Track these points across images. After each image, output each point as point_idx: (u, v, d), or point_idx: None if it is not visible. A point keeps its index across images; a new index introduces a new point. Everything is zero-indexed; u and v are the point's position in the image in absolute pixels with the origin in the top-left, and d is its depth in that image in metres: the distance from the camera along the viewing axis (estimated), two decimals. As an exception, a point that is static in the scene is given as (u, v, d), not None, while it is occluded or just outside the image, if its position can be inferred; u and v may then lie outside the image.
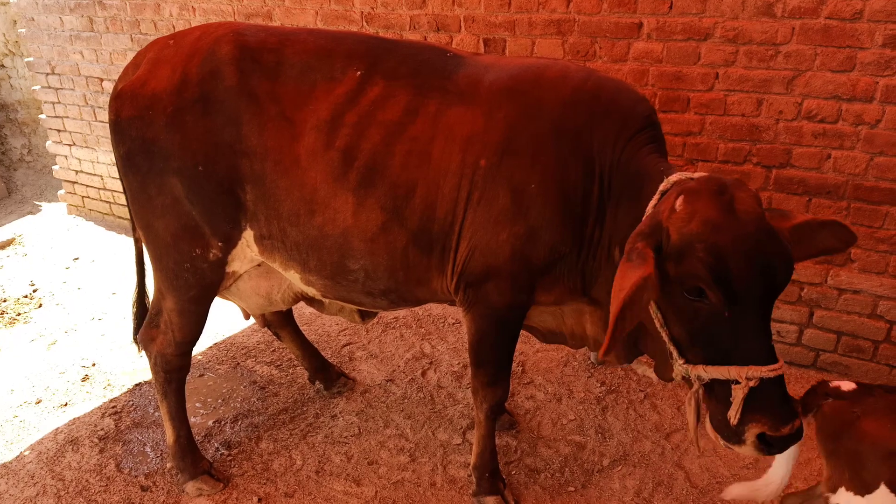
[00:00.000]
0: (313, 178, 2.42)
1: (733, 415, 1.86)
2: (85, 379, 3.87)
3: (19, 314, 4.69)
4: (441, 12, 4.05)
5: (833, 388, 2.01)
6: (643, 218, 2.04)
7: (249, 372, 3.88)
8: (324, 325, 4.33)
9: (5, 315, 4.66)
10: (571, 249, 2.36)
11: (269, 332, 4.25)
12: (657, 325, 2.04)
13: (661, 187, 2.06)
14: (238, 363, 3.98)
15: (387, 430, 3.34)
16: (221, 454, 3.20)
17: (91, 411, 3.57)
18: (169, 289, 2.76)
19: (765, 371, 1.82)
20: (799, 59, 3.25)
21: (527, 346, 4.03)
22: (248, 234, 2.61)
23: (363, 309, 2.99)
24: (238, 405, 3.58)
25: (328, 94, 2.43)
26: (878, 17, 3.04)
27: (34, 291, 5.03)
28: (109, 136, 2.68)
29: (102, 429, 3.42)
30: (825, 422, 1.96)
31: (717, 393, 1.94)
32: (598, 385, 3.67)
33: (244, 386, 3.75)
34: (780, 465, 2.12)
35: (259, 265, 2.84)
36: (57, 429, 3.44)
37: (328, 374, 3.64)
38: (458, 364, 3.88)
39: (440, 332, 4.26)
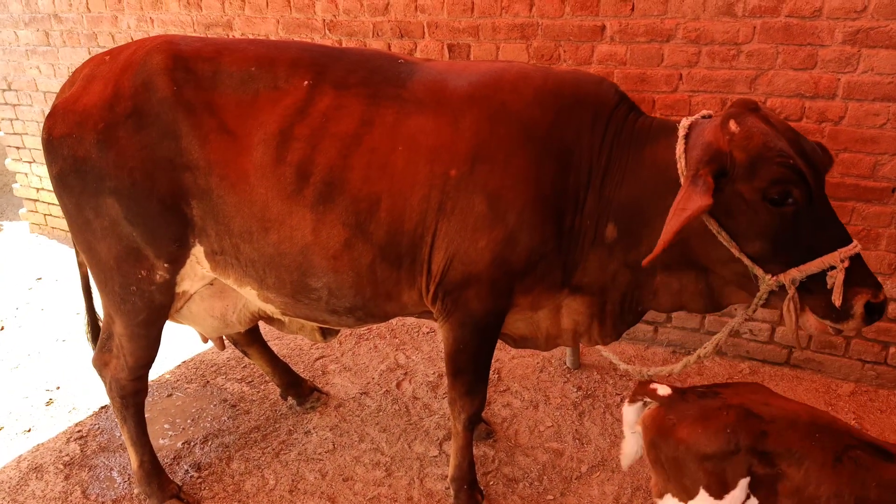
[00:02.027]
0: (263, 195, 2.33)
1: (837, 296, 1.96)
2: (49, 403, 3.76)
3: (-20, 338, 4.55)
4: (404, 19, 4.01)
5: (651, 391, 2.03)
6: (680, 159, 2.12)
7: (220, 390, 3.80)
8: (295, 339, 4.26)
9: (-35, 339, 4.51)
10: (553, 247, 2.34)
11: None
12: (735, 253, 2.08)
13: (681, 132, 2.17)
14: (208, 381, 3.89)
15: (362, 445, 3.28)
16: (191, 476, 3.12)
17: (56, 436, 3.46)
18: (117, 313, 2.66)
19: (852, 249, 1.98)
20: (761, 58, 3.26)
21: (502, 354, 4.00)
22: (198, 251, 2.51)
23: (325, 327, 2.91)
24: (208, 425, 3.49)
25: (274, 104, 2.34)
26: (837, 14, 3.06)
27: (-5, 314, 4.88)
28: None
29: (68, 454, 3.31)
30: (646, 430, 1.99)
31: (810, 287, 2.04)
32: (575, 390, 3.64)
33: (214, 404, 3.66)
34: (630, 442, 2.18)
35: (211, 284, 2.73)
36: (20, 456, 3.32)
37: (300, 390, 3.56)
38: (434, 374, 3.84)
39: (414, 341, 4.21)
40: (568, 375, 3.77)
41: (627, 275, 2.42)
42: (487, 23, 3.79)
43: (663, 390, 2.03)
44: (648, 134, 2.31)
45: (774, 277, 2.06)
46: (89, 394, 3.80)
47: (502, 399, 3.61)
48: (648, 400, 2.08)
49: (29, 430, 3.53)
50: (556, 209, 2.31)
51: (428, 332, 4.29)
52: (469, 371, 2.60)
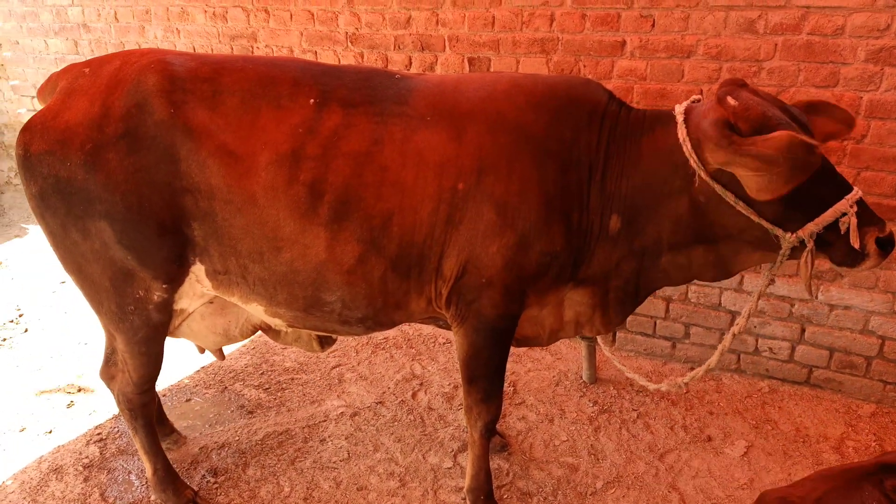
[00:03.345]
0: (275, 215, 2.33)
1: (855, 239, 2.09)
2: (70, 405, 3.81)
3: (4, 339, 4.62)
4: (425, 32, 4.05)
5: None
6: (685, 143, 2.21)
7: (237, 396, 3.83)
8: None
9: (-10, 341, 4.60)
10: (563, 246, 2.39)
11: (257, 354, 4.22)
12: (754, 219, 2.16)
13: (679, 118, 2.26)
14: (226, 387, 3.92)
15: (376, 455, 3.29)
16: (207, 482, 3.15)
17: (76, 438, 3.51)
18: (116, 331, 2.64)
19: (856, 194, 2.11)
20: (782, 75, 3.25)
21: (518, 366, 4.00)
22: (198, 269, 2.50)
23: (322, 335, 2.93)
24: (225, 430, 3.52)
25: (280, 124, 2.32)
26: (860, 32, 3.05)
27: (20, 316, 4.96)
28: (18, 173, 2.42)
29: (87, 456, 3.36)
30: None
31: (825, 238, 2.16)
32: (591, 405, 3.63)
33: (231, 410, 3.70)
34: None
35: (211, 302, 2.71)
36: (41, 457, 3.37)
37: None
38: (449, 385, 3.85)
39: (430, 352, 4.22)
40: (584, 390, 3.76)
41: (632, 262, 2.49)
42: (508, 37, 3.82)
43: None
44: (643, 125, 2.39)
45: (794, 234, 2.15)
46: (109, 397, 3.85)
47: (517, 412, 3.60)
48: None
49: (50, 432, 3.58)
50: (562, 209, 2.36)
51: (444, 343, 4.30)
52: (484, 377, 2.61)
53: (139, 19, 5.18)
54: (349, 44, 4.35)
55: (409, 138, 2.33)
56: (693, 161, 2.20)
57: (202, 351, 3.16)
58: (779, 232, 2.17)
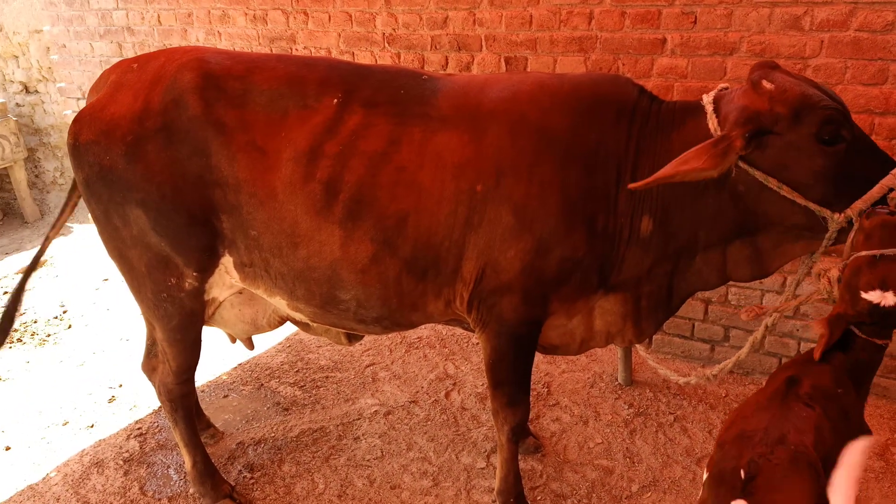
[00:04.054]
0: (293, 211, 2.37)
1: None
2: (111, 400, 3.90)
3: (49, 335, 4.75)
4: (462, 32, 4.05)
5: None
6: (717, 133, 2.11)
7: (273, 393, 3.87)
8: (347, 346, 4.31)
9: (36, 336, 4.72)
10: (585, 252, 2.32)
11: (293, 352, 4.26)
12: (800, 202, 2.07)
13: (708, 108, 2.19)
14: (262, 384, 3.97)
15: (410, 454, 3.30)
16: (244, 477, 3.18)
17: (117, 433, 3.59)
18: (153, 318, 2.73)
19: None
20: (829, 72, 3.17)
21: (552, 367, 3.97)
22: (227, 261, 2.56)
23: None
24: (261, 427, 3.56)
25: (303, 123, 2.37)
26: (911, 28, 2.96)
27: (64, 312, 5.09)
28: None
29: (127, 451, 3.42)
30: None
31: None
32: (626, 407, 3.58)
33: (268, 407, 3.74)
34: None
35: (240, 292, 2.78)
36: (83, 450, 3.45)
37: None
38: (482, 385, 3.83)
39: (464, 351, 4.21)
40: (619, 392, 3.72)
41: (665, 266, 2.40)
42: (545, 36, 3.79)
43: None
44: (673, 119, 2.31)
45: (842, 215, 2.05)
46: (150, 392, 3.92)
47: (552, 413, 3.57)
48: None
49: (92, 426, 3.66)
50: (585, 213, 2.30)
51: (477, 343, 4.29)
52: (509, 382, 2.59)
53: (181, 22, 5.28)
54: (386, 44, 4.37)
55: (429, 139, 2.32)
56: None
57: (234, 340, 3.22)
58: (826, 213, 2.07)
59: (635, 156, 2.31)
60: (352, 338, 3.01)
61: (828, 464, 1.76)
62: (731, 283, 3.68)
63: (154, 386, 2.95)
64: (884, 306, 1.86)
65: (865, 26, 3.04)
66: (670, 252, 2.37)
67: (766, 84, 2.09)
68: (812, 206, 2.08)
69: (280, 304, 2.67)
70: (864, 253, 1.90)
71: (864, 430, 1.92)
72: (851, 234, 2.03)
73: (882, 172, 2.03)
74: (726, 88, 2.28)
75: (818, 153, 2.03)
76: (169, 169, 2.40)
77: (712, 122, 2.15)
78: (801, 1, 3.13)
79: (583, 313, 2.57)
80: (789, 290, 2.37)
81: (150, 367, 2.95)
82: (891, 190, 2.01)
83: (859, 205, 2.03)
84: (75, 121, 2.51)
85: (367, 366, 4.10)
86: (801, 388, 1.88)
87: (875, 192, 2.01)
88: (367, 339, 4.37)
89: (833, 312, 1.92)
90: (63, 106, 6.63)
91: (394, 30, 4.30)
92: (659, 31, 3.48)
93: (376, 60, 4.46)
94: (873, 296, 1.87)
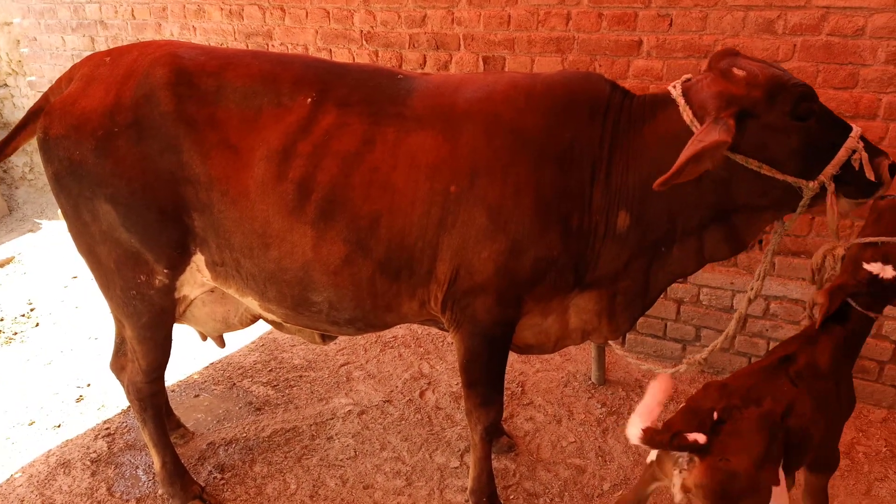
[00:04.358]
0: (264, 211, 2.34)
1: (870, 170, 2.14)
2: (79, 399, 3.83)
3: (16, 333, 4.65)
4: (440, 30, 4.04)
5: (692, 442, 1.90)
6: (693, 124, 2.16)
7: (245, 392, 3.83)
8: (321, 345, 4.28)
9: (2, 334, 4.62)
10: (560, 252, 2.33)
11: (266, 351, 4.22)
12: (779, 178, 2.16)
13: (680, 101, 2.20)
14: (234, 383, 3.92)
15: (383, 453, 3.28)
16: (214, 478, 3.14)
17: (84, 433, 3.52)
18: (122, 316, 2.69)
19: (858, 131, 2.18)
20: (801, 75, 3.19)
21: (526, 367, 3.97)
22: (199, 259, 2.53)
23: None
24: (233, 426, 3.52)
25: (277, 121, 2.34)
26: (881, 33, 3.00)
27: (32, 310, 4.99)
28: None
29: (95, 451, 3.36)
30: (702, 484, 1.88)
31: (842, 177, 2.18)
32: (599, 406, 3.60)
33: (239, 407, 3.70)
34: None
35: (212, 290, 2.74)
36: (49, 450, 3.38)
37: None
38: (457, 385, 3.82)
39: (439, 351, 4.20)
40: (592, 391, 3.73)
41: (642, 259, 2.42)
42: (523, 36, 3.80)
43: (700, 438, 1.90)
44: (643, 113, 2.33)
45: (815, 181, 2.16)
46: (118, 392, 3.86)
47: (525, 412, 3.58)
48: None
49: (59, 426, 3.59)
50: (559, 213, 2.30)
51: (453, 343, 4.28)
52: (483, 382, 2.59)
53: (156, 16, 5.21)
54: (364, 42, 4.35)
55: (402, 139, 2.31)
56: None
57: (204, 338, 3.18)
58: (802, 183, 2.17)
59: (609, 152, 2.32)
60: (326, 337, 2.98)
61: (806, 435, 2.03)
62: (702, 284, 3.73)
63: (123, 385, 2.89)
64: (882, 278, 2.11)
65: (837, 31, 3.09)
66: (647, 245, 2.39)
67: (738, 71, 2.16)
68: (790, 179, 2.17)
69: (252, 304, 2.64)
70: (870, 239, 2.17)
71: (852, 402, 2.23)
72: (829, 198, 2.18)
73: (843, 137, 2.16)
74: (689, 79, 2.31)
75: (793, 130, 2.13)
76: (140, 165, 2.36)
77: (687, 114, 2.17)
78: (775, 5, 3.16)
79: (557, 312, 2.56)
80: (766, 259, 2.45)
81: (118, 365, 2.90)
82: (853, 152, 2.15)
83: (829, 170, 2.15)
84: (45, 114, 2.46)
85: (342, 365, 4.07)
86: (793, 367, 2.11)
87: (842, 155, 2.14)
88: (342, 338, 4.34)
89: (834, 283, 2.12)
90: (33, 100, 6.50)
91: (372, 27, 4.28)
92: (635, 33, 3.50)
93: (354, 58, 4.43)
94: (874, 267, 2.12)
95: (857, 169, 2.15)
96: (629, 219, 2.33)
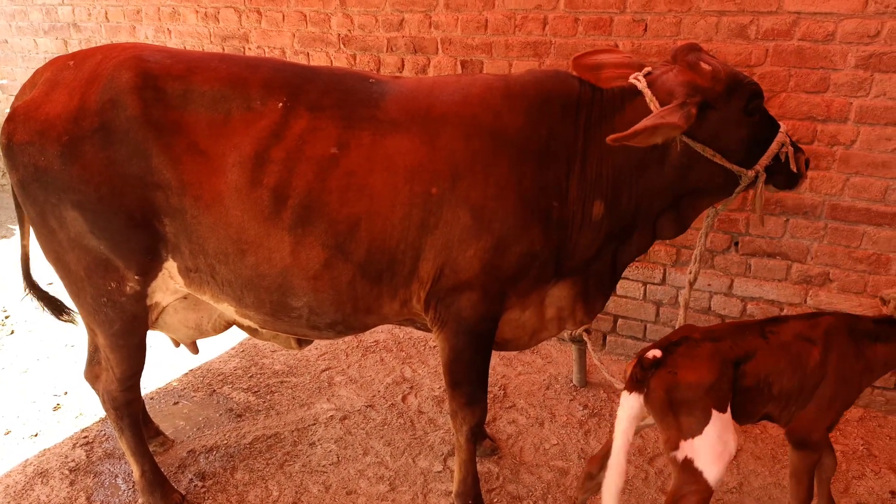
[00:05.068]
0: (239, 217, 2.33)
1: (792, 163, 2.41)
2: (56, 408, 3.77)
3: (-10, 341, 4.58)
4: (418, 34, 4.05)
5: (652, 359, 2.27)
6: (664, 102, 2.30)
7: (226, 399, 3.80)
8: (302, 350, 4.26)
9: (-25, 343, 4.55)
10: (542, 245, 2.40)
11: (246, 357, 4.20)
12: (727, 166, 2.36)
13: (647, 92, 2.33)
14: (214, 390, 3.90)
15: (366, 458, 3.28)
16: (195, 486, 3.12)
17: (62, 442, 3.47)
18: (94, 324, 2.65)
19: (783, 125, 2.44)
20: (773, 80, 3.27)
21: (508, 370, 3.99)
22: (171, 266, 2.50)
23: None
24: (213, 434, 3.50)
25: (248, 126, 2.32)
26: (851, 38, 3.07)
27: (6, 318, 4.91)
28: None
29: (73, 460, 3.32)
30: (653, 392, 2.23)
31: (771, 168, 2.42)
32: (581, 408, 3.63)
33: (220, 414, 3.67)
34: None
35: (185, 297, 2.71)
36: (26, 460, 3.33)
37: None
38: (440, 388, 3.83)
39: (421, 355, 4.20)
40: (574, 393, 3.76)
41: (611, 245, 2.57)
42: (500, 40, 3.82)
43: (657, 353, 2.28)
44: (613, 105, 2.44)
45: (752, 170, 2.39)
46: (96, 400, 3.81)
47: (508, 416, 3.59)
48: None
49: (36, 435, 3.54)
50: (540, 208, 2.38)
51: (435, 346, 4.29)
52: (468, 381, 2.61)
53: (130, 19, 5.16)
54: (342, 45, 4.34)
55: (378, 143, 2.32)
56: None
57: (177, 344, 3.15)
58: (743, 171, 2.39)
59: (584, 145, 2.42)
60: (302, 342, 2.97)
61: (765, 383, 2.30)
62: (679, 286, 3.78)
63: (98, 394, 2.86)
64: None
65: (808, 36, 3.15)
66: (617, 231, 2.53)
67: (704, 65, 2.32)
68: (734, 168, 2.38)
69: (228, 310, 2.63)
70: None
71: (850, 388, 2.36)
72: (759, 186, 2.43)
73: (774, 132, 2.40)
74: (650, 72, 2.42)
75: (744, 123, 2.35)
76: (107, 170, 2.32)
77: (654, 104, 2.29)
78: (747, 10, 3.22)
79: (535, 304, 2.63)
80: (700, 243, 2.72)
81: (93, 374, 2.86)
82: (783, 145, 2.38)
83: (764, 160, 2.39)
84: (8, 120, 2.42)
85: (323, 370, 4.06)
86: (772, 325, 2.38)
87: (773, 148, 2.38)
88: (324, 343, 4.33)
89: None
90: (5, 104, 6.41)
91: (349, 31, 4.28)
92: (611, 38, 3.54)
93: (331, 61, 4.42)
94: None
95: (783, 161, 2.40)
96: (603, 207, 2.45)
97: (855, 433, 3.42)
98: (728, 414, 2.20)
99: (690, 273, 2.77)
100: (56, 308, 3.12)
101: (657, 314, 3.95)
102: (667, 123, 2.16)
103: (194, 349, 3.16)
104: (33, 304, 4.76)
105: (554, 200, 2.40)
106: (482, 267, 2.36)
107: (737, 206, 3.52)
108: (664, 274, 3.86)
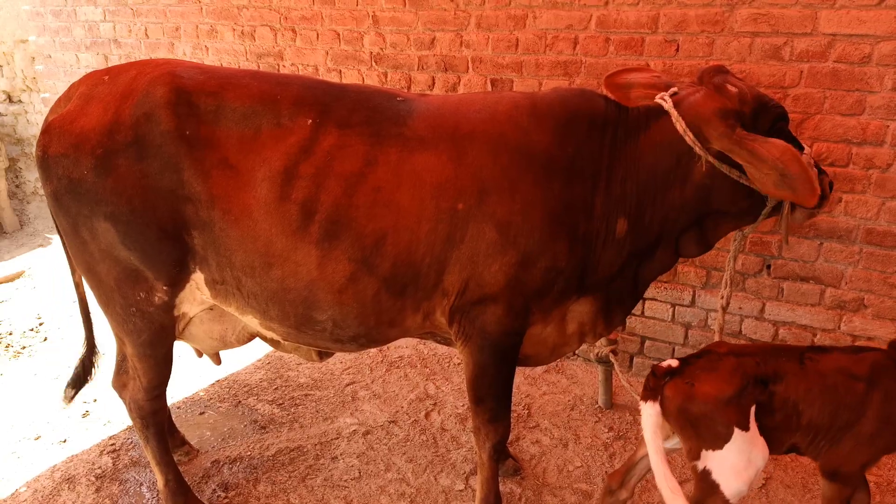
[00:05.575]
0: (267, 231, 2.36)
1: (818, 186, 2.20)
2: (85, 415, 3.83)
3: (24, 347, 4.68)
4: (449, 53, 4.08)
5: (664, 368, 2.27)
6: (686, 134, 2.30)
7: (251, 410, 3.83)
8: (327, 364, 4.28)
9: (10, 348, 4.65)
10: (567, 261, 2.41)
11: (272, 370, 4.22)
12: (752, 188, 2.31)
13: (674, 112, 2.32)
14: (240, 401, 3.93)
15: (388, 474, 3.27)
16: (218, 496, 3.13)
17: (89, 448, 3.52)
18: (123, 333, 2.69)
19: (807, 147, 2.41)
20: (808, 102, 3.23)
21: (533, 389, 3.96)
22: (198, 277, 2.54)
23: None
24: (237, 445, 3.52)
25: (277, 142, 2.36)
26: (887, 60, 3.02)
27: (40, 325, 5.02)
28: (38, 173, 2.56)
29: (100, 467, 3.36)
30: (669, 402, 2.22)
31: None
32: (606, 430, 3.58)
33: (245, 425, 3.69)
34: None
35: (210, 308, 2.75)
36: (54, 466, 3.38)
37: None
38: (463, 406, 3.81)
39: (445, 372, 4.19)
40: (599, 415, 3.71)
41: (634, 262, 2.56)
42: (531, 59, 3.83)
43: (673, 363, 2.28)
44: (637, 124, 2.46)
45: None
46: (124, 408, 3.86)
47: (531, 436, 3.56)
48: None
49: (64, 441, 3.60)
50: (566, 224, 2.39)
51: (459, 363, 4.27)
52: (491, 397, 2.61)
53: (169, 36, 5.28)
54: (374, 63, 4.39)
55: (406, 159, 2.35)
56: (699, 149, 2.30)
57: (200, 355, 3.19)
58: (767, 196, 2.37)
59: (609, 164, 2.43)
60: (323, 354, 2.99)
61: (794, 410, 2.22)
62: (709, 308, 3.72)
63: (124, 403, 2.90)
64: None
65: (844, 58, 3.10)
66: (640, 248, 2.52)
67: (731, 87, 2.32)
68: (759, 190, 2.33)
69: (252, 322, 2.65)
70: None
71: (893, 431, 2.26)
72: (785, 209, 2.41)
73: (799, 147, 2.34)
74: (676, 92, 2.41)
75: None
76: (140, 183, 2.37)
77: (680, 125, 2.29)
78: (782, 31, 3.19)
79: (557, 320, 2.64)
80: (730, 267, 2.70)
81: (120, 383, 2.91)
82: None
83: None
84: (44, 133, 2.48)
85: (347, 384, 4.07)
86: (812, 353, 2.32)
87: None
88: (348, 357, 4.34)
89: None
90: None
91: (381, 49, 4.33)
92: (642, 58, 3.53)
93: (363, 79, 4.48)
94: None
95: None
96: (627, 224, 2.46)
97: (890, 464, 3.32)
98: (753, 430, 2.17)
99: (722, 298, 2.74)
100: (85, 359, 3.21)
101: (686, 336, 3.89)
102: (802, 190, 2.15)
103: (217, 360, 3.20)
104: (66, 312, 4.86)
105: (580, 217, 2.41)
106: (507, 281, 2.38)
107: (768, 229, 3.47)
108: (693, 296, 3.81)
